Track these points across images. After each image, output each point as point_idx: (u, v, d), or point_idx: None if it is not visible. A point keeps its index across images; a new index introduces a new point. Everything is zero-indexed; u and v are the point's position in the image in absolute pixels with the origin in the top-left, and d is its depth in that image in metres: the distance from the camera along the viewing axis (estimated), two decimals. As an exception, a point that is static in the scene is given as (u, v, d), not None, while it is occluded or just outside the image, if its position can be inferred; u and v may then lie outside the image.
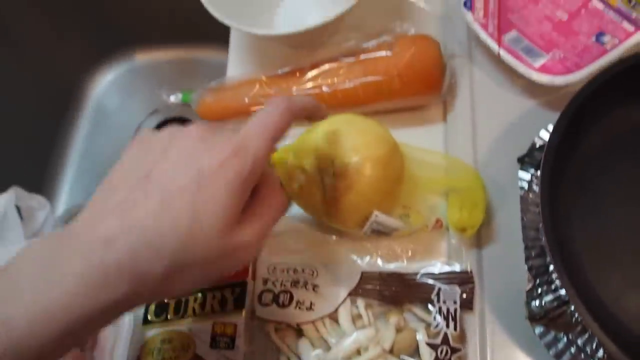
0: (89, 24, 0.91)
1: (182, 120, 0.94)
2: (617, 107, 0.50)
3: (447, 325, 0.48)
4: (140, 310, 0.54)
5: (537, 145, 0.54)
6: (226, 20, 0.56)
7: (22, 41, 0.86)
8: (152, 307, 0.53)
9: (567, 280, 0.42)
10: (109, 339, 0.53)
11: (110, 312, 0.34)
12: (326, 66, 0.57)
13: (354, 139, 0.49)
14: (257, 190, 0.39)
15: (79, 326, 0.33)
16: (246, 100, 0.59)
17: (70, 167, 0.91)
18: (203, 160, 0.36)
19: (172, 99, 0.62)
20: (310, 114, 0.46)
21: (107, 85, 0.97)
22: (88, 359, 0.52)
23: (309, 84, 0.57)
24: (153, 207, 0.35)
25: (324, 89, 0.57)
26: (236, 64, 0.67)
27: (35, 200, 0.71)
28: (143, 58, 0.97)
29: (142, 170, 0.36)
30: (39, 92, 0.89)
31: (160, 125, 0.94)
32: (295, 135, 0.52)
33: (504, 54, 0.55)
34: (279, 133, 0.39)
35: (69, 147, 0.93)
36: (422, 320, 0.50)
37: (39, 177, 0.86)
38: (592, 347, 0.47)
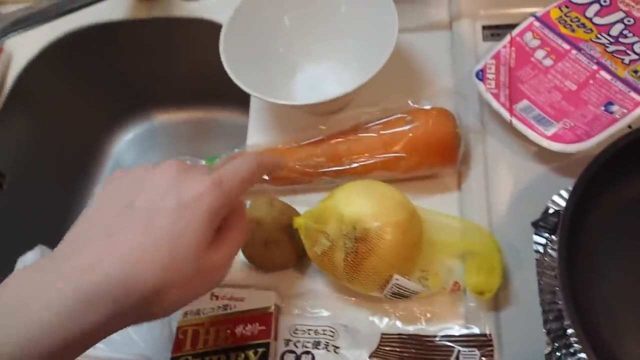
0: (109, 85, 0.95)
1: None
2: (631, 175, 0.52)
3: (468, 389, 0.50)
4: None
5: (551, 211, 0.56)
6: (249, 90, 0.60)
7: (46, 102, 0.90)
8: (176, 368, 0.55)
9: (587, 345, 0.44)
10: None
11: (94, 335, 0.37)
12: (346, 140, 0.60)
13: (374, 205, 0.52)
14: (226, 218, 0.44)
15: (64, 349, 0.35)
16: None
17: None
18: (183, 189, 0.41)
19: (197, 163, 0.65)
20: (274, 169, 0.55)
21: (125, 144, 1.00)
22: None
23: (329, 159, 0.60)
24: (136, 232, 0.39)
25: (345, 163, 0.59)
26: (256, 129, 0.70)
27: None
28: (160, 118, 1.00)
29: (123, 201, 0.40)
30: (60, 151, 0.93)
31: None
32: (315, 202, 0.55)
33: (516, 123, 0.58)
34: (251, 178, 0.46)
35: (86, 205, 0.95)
36: (443, 384, 0.52)
37: (59, 234, 0.89)
38: (612, 411, 0.49)
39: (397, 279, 0.51)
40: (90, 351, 0.54)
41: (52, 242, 0.70)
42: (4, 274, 0.65)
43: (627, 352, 0.48)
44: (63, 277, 0.36)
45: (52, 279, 0.36)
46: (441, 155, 0.58)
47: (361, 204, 0.52)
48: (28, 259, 0.70)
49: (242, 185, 0.45)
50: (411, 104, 0.60)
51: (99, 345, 0.40)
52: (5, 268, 0.67)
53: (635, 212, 0.54)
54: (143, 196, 0.41)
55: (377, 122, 0.60)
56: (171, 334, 0.59)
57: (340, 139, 0.61)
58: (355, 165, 0.59)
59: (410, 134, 0.57)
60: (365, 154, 0.59)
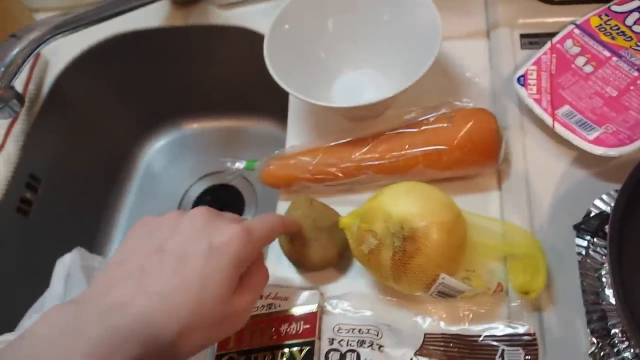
0: (143, 92, 0.97)
1: (227, 187, 0.98)
2: None
3: (514, 386, 0.51)
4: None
5: (593, 214, 0.58)
6: (290, 90, 0.61)
7: (81, 108, 0.92)
8: (222, 363, 0.56)
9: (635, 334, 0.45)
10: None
11: None
12: (387, 135, 0.62)
13: (421, 205, 0.54)
14: (249, 265, 0.47)
15: None
16: (310, 168, 0.63)
17: (119, 230, 0.96)
18: (213, 235, 0.43)
19: (237, 165, 0.67)
20: (291, 230, 0.57)
21: (155, 151, 1.02)
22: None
23: (371, 153, 0.62)
24: (168, 273, 0.41)
25: (386, 157, 0.61)
26: (294, 134, 0.72)
27: (97, 261, 0.74)
28: (191, 126, 1.03)
29: (154, 245, 0.43)
30: (93, 157, 0.95)
31: (207, 191, 0.99)
32: (355, 203, 0.57)
33: (558, 127, 0.60)
34: (275, 232, 0.51)
35: (119, 210, 0.98)
36: (488, 382, 0.53)
37: (93, 238, 0.91)
38: (658, 410, 0.50)
39: (443, 278, 0.52)
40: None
41: (87, 246, 0.73)
42: (42, 276, 0.67)
43: None
44: (96, 314, 0.38)
45: (85, 317, 0.38)
46: (483, 152, 0.59)
47: (408, 204, 0.54)
48: (66, 261, 0.71)
49: (269, 236, 0.49)
50: (452, 102, 0.62)
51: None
52: (44, 270, 0.69)
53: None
54: (174, 240, 0.43)
55: (418, 119, 0.62)
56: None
57: (381, 136, 0.62)
58: (396, 158, 0.61)
59: (452, 130, 0.59)
60: (407, 149, 0.60)
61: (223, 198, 0.98)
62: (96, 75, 0.92)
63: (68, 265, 0.70)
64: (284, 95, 0.67)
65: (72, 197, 0.90)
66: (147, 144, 1.02)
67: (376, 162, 0.61)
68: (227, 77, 0.94)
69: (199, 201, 0.98)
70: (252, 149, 0.99)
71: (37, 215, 0.84)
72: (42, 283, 0.69)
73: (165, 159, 1.02)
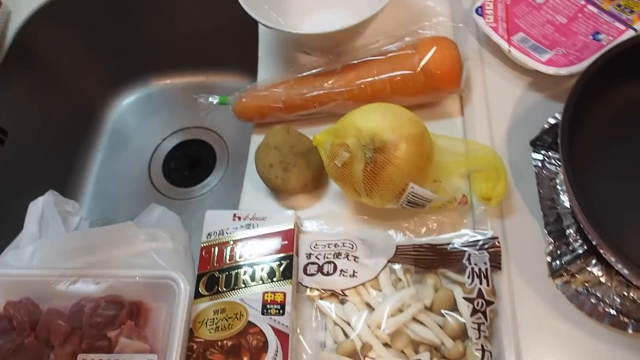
0: (108, 47, 0.99)
1: (198, 142, 1.01)
2: (627, 80, 0.60)
3: (480, 282, 0.56)
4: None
5: (546, 126, 0.63)
6: (259, 19, 0.65)
7: (45, 60, 0.93)
8: (204, 281, 0.60)
9: (593, 229, 0.50)
10: (161, 314, 0.59)
11: None
12: (355, 64, 0.66)
13: (390, 120, 0.58)
14: None
15: None
16: (282, 98, 0.67)
17: (89, 186, 0.98)
18: None
19: (211, 100, 0.70)
20: None
21: (123, 110, 1.04)
22: (142, 333, 0.58)
23: (341, 81, 0.66)
24: None
25: (355, 84, 0.65)
26: (265, 72, 0.76)
27: (70, 205, 0.77)
28: (159, 83, 1.05)
29: None
30: (60, 111, 0.96)
31: (178, 147, 1.01)
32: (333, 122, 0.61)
33: (514, 52, 0.65)
34: None
35: (87, 169, 0.99)
36: (456, 282, 0.58)
37: (63, 188, 0.92)
38: (609, 296, 0.55)
39: (412, 187, 0.57)
40: (120, 271, 0.59)
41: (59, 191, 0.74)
42: (15, 221, 0.69)
43: (626, 242, 0.53)
44: None
45: None
46: (446, 76, 0.64)
47: (378, 119, 0.58)
48: (39, 204, 0.73)
49: None
50: (416, 31, 0.66)
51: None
52: (18, 214, 0.71)
53: (630, 112, 0.61)
54: None
55: (384, 48, 0.66)
56: (193, 260, 0.64)
57: (349, 66, 0.67)
58: (365, 84, 0.65)
59: (416, 56, 0.64)
60: (374, 74, 0.65)
61: (194, 153, 1.01)
62: (61, 28, 0.93)
63: (41, 207, 0.72)
64: (254, 48, 0.71)
65: (41, 149, 0.91)
66: (115, 100, 1.04)
67: (346, 89, 0.66)
68: (196, 31, 0.96)
69: (170, 157, 1.00)
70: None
71: (5, 166, 0.85)
72: (15, 227, 0.71)
73: (135, 115, 1.04)
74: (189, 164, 1.00)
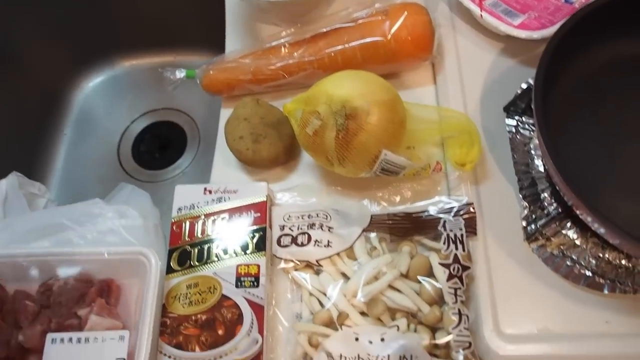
0: (72, 31, 0.98)
1: (168, 124, 1.00)
2: (602, 41, 0.61)
3: (456, 248, 0.56)
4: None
5: (519, 91, 0.64)
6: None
7: (5, 39, 0.92)
8: (175, 256, 0.59)
9: (569, 188, 0.50)
10: (133, 291, 0.59)
11: None
12: (325, 32, 0.66)
13: (361, 86, 0.58)
14: None
15: None
16: (251, 69, 0.67)
17: (55, 172, 0.97)
18: None
19: (177, 74, 0.69)
20: None
21: (90, 91, 1.03)
22: (114, 311, 0.57)
23: (311, 50, 0.66)
24: None
25: (325, 52, 0.65)
26: (233, 44, 0.75)
27: (36, 187, 0.76)
28: (125, 64, 1.04)
29: None
30: (24, 94, 0.95)
31: (147, 129, 1.00)
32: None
33: (486, 16, 0.66)
34: None
35: (54, 153, 0.98)
36: (432, 249, 0.58)
37: (29, 170, 0.91)
38: (585, 258, 0.56)
39: (385, 154, 0.57)
40: (88, 249, 0.59)
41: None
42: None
43: (600, 199, 0.54)
44: None
45: None
46: (417, 43, 0.64)
47: (349, 86, 0.58)
48: (2, 186, 0.72)
49: None
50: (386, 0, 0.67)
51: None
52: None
53: (604, 74, 0.61)
54: None
55: (354, 15, 0.66)
56: (164, 237, 0.63)
57: (319, 34, 0.66)
58: (335, 53, 0.65)
59: (388, 22, 0.64)
60: (345, 43, 0.65)
61: (164, 135, 1.00)
62: (23, 7, 0.91)
63: (4, 189, 0.71)
64: (222, 24, 0.70)
65: (4, 133, 0.90)
66: (81, 81, 1.03)
67: (315, 58, 0.65)
68: (163, 9, 0.95)
69: (139, 139, 0.99)
70: (188, 85, 1.01)
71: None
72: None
73: (102, 98, 1.03)
74: (159, 146, 0.99)
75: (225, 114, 0.70)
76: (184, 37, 1.00)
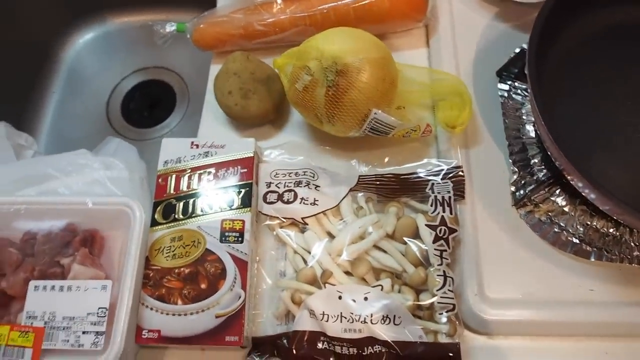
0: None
1: (157, 82, 0.97)
2: (590, 9, 0.58)
3: (444, 210, 0.54)
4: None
5: (513, 57, 0.61)
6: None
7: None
8: (160, 209, 0.57)
9: (561, 152, 0.48)
10: (117, 242, 0.56)
11: None
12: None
13: (353, 43, 0.55)
14: None
15: None
16: (242, 24, 0.64)
17: (43, 127, 0.93)
18: None
19: (168, 28, 0.66)
20: None
21: (80, 48, 0.99)
22: (97, 261, 0.55)
23: (303, 6, 0.63)
24: None
25: (318, 9, 0.62)
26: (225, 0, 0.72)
27: (23, 138, 0.73)
28: (116, 21, 1.00)
29: None
30: (12, 52, 0.91)
31: (137, 87, 0.97)
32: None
33: (481, -22, 0.63)
34: None
35: (43, 109, 0.94)
36: (419, 211, 0.56)
37: (19, 121, 0.87)
38: (573, 225, 0.54)
39: (375, 113, 0.54)
40: (73, 198, 0.56)
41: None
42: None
43: (592, 165, 0.52)
44: None
45: None
46: (411, 3, 0.62)
47: (341, 42, 0.55)
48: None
49: None
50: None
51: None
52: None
53: (598, 39, 0.59)
54: None
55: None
56: (150, 191, 0.61)
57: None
58: (327, 9, 0.62)
59: (381, -21, 0.61)
60: (338, 1, 0.62)
61: (154, 94, 0.96)
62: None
63: (-7, 139, 0.69)
64: None
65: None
66: (72, 38, 0.98)
67: (308, 14, 0.62)
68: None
69: (128, 97, 0.96)
70: (178, 44, 0.97)
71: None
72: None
73: (92, 55, 0.99)
74: (149, 105, 0.95)
75: (215, 70, 0.67)
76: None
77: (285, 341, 0.51)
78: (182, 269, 0.54)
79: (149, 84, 0.97)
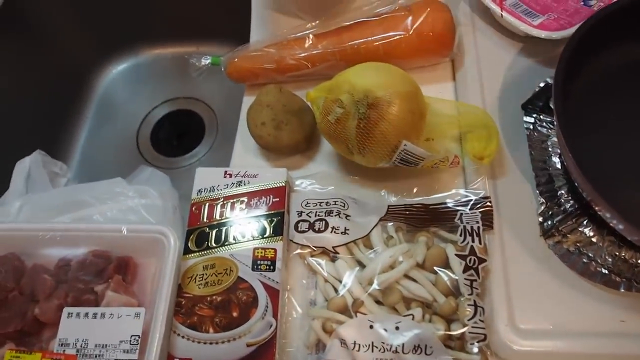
0: (100, 18, 0.95)
1: (186, 112, 0.97)
2: (622, 42, 0.58)
3: (473, 240, 0.53)
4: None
5: (538, 91, 0.61)
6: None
7: (36, 25, 0.89)
8: (193, 237, 0.56)
9: (588, 183, 0.47)
10: (150, 269, 0.56)
11: None
12: (349, 25, 0.63)
13: (384, 77, 0.55)
14: None
15: None
16: (275, 58, 0.64)
17: (74, 155, 0.94)
18: None
19: (203, 61, 0.67)
20: None
21: (113, 78, 1.00)
22: (130, 288, 0.54)
23: (334, 41, 0.63)
24: None
25: (348, 44, 0.62)
26: (258, 35, 0.72)
27: (58, 166, 0.73)
28: (149, 53, 1.01)
29: None
30: (48, 81, 0.92)
31: (167, 117, 0.97)
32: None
33: (506, 16, 0.63)
34: None
35: (75, 137, 0.95)
36: (449, 241, 0.55)
37: (53, 150, 0.88)
38: (601, 256, 0.53)
39: (405, 144, 0.53)
40: (107, 225, 0.56)
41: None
42: (1, 182, 0.66)
43: (619, 197, 0.50)
44: None
45: None
46: (438, 39, 0.62)
47: (372, 76, 0.55)
48: (26, 163, 0.70)
49: None
50: (408, -2, 0.64)
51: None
52: (4, 175, 0.67)
53: (622, 73, 0.59)
54: None
55: (378, 10, 0.63)
56: (182, 218, 0.60)
57: (342, 27, 0.63)
58: (358, 45, 0.62)
59: (410, 17, 0.61)
60: (368, 36, 0.62)
61: (183, 123, 0.97)
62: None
63: (28, 166, 0.69)
64: (246, 16, 0.67)
65: (29, 115, 0.87)
66: (105, 68, 1.00)
67: (338, 49, 0.62)
68: (188, 1, 0.93)
69: (158, 126, 0.96)
70: (212, 75, 0.97)
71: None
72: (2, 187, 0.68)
73: (124, 85, 1.00)
74: (178, 134, 0.96)
75: (247, 102, 0.67)
76: (207, 29, 0.97)
77: (316, 370, 0.50)
78: (214, 297, 0.53)
79: (178, 113, 0.98)
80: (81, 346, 0.50)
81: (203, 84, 0.97)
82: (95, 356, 0.50)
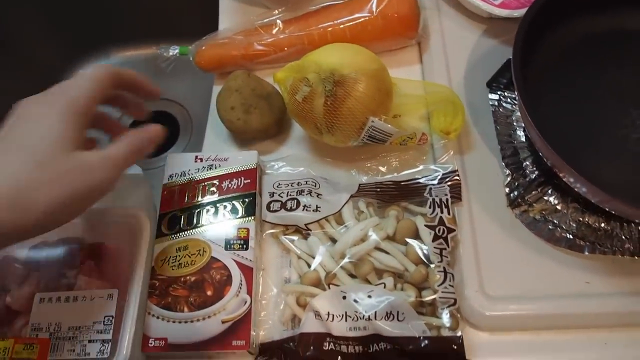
0: (67, 22, 0.95)
1: (160, 113, 0.98)
2: (582, 14, 0.60)
3: (442, 211, 0.55)
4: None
5: (501, 69, 0.63)
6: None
7: (4, 35, 0.90)
8: (166, 221, 0.57)
9: (551, 149, 0.49)
10: (123, 253, 0.56)
11: None
12: (315, 9, 0.65)
13: (349, 56, 0.57)
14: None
15: None
16: (243, 46, 0.65)
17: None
18: (37, 104, 0.42)
19: (171, 51, 0.68)
20: (135, 84, 0.54)
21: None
22: (103, 273, 0.55)
23: (301, 27, 0.65)
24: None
25: (315, 28, 0.64)
26: (226, 24, 0.73)
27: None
28: (119, 55, 1.01)
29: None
30: (16, 86, 0.91)
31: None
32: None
33: (468, -4, 0.65)
34: (99, 83, 0.45)
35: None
36: (418, 214, 0.56)
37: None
38: (566, 222, 0.55)
39: (372, 121, 0.55)
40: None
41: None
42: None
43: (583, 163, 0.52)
44: None
45: None
46: (403, 21, 0.64)
47: (338, 55, 0.56)
48: None
49: (92, 86, 0.44)
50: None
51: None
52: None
53: (580, 46, 0.61)
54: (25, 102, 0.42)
55: (343, -2, 0.65)
56: (154, 205, 0.61)
57: (309, 12, 0.65)
58: (324, 29, 0.64)
59: (375, 0, 0.63)
60: (334, 19, 0.64)
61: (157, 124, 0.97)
62: (18, 3, 0.89)
63: None
64: (215, 16, 0.69)
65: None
66: (76, 71, 1.00)
67: (305, 33, 0.64)
68: (156, 1, 0.94)
69: (132, 127, 0.97)
70: (187, 78, 0.98)
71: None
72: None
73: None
74: (152, 136, 0.96)
75: (217, 90, 0.68)
76: (177, 29, 0.96)
77: (292, 345, 0.51)
78: (187, 277, 0.53)
79: (152, 115, 0.98)
80: (54, 330, 0.51)
81: (175, 84, 0.98)
82: (69, 338, 0.50)
